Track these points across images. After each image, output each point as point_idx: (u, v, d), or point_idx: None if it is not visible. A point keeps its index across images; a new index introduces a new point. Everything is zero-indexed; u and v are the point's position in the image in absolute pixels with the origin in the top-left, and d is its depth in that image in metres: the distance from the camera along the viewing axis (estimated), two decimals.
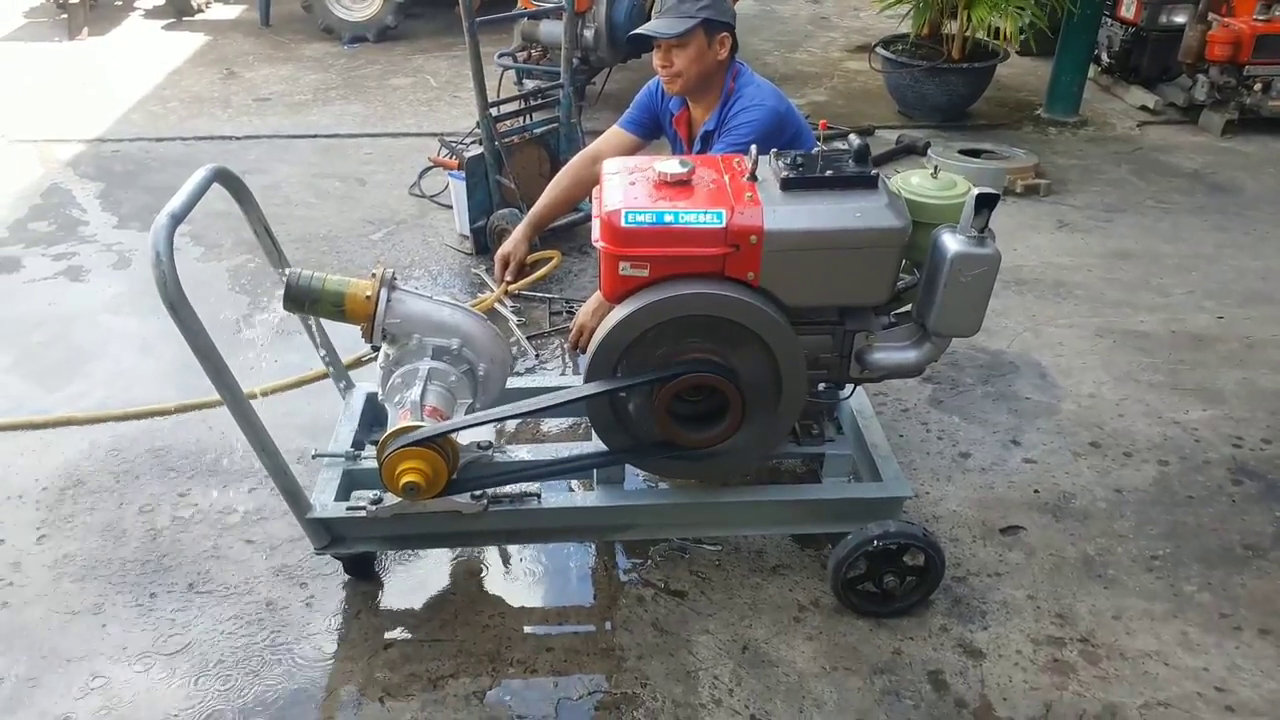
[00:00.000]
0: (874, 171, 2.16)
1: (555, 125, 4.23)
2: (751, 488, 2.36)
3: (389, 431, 2.18)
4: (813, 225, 2.08)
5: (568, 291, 3.91)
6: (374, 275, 2.36)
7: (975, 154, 5.05)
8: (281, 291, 2.33)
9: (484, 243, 4.12)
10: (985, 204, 2.08)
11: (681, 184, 2.17)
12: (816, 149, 2.23)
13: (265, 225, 2.50)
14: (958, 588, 2.50)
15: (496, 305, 3.69)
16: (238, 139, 5.52)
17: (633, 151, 3.36)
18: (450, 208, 4.50)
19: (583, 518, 2.38)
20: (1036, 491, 2.85)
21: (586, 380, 2.19)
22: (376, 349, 2.41)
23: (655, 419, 2.18)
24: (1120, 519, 2.75)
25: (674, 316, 2.11)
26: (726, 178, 2.21)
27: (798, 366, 2.18)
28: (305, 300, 2.32)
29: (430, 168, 4.78)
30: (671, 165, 2.18)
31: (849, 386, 2.47)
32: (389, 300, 2.33)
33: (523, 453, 2.50)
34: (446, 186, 4.65)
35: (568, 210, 3.37)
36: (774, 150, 2.26)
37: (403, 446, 2.12)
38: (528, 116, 4.21)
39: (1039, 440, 3.06)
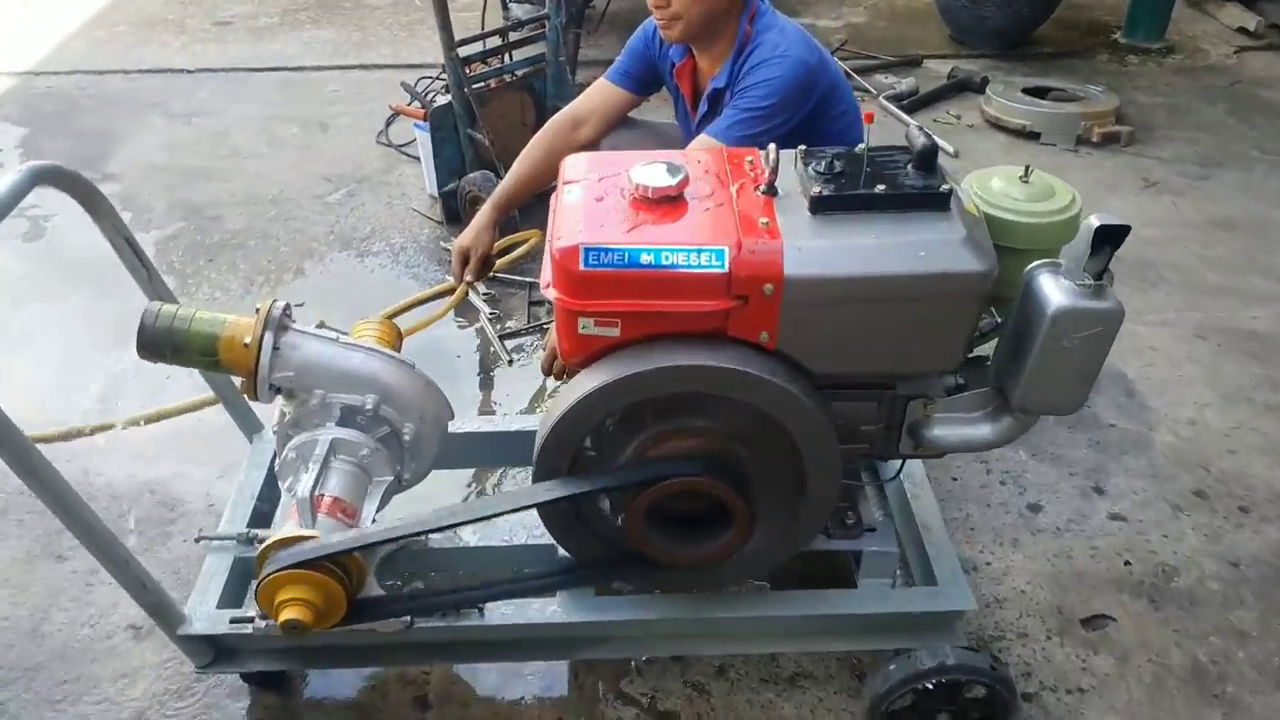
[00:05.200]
0: (946, 186, 1.50)
1: (542, 65, 3.52)
2: (761, 596, 1.79)
3: (269, 539, 1.61)
4: (856, 269, 1.43)
5: None
6: (258, 310, 1.75)
7: (1042, 93, 4.29)
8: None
9: (454, 209, 3.47)
10: (1108, 239, 1.42)
11: (668, 202, 1.53)
12: (862, 147, 1.57)
13: (128, 238, 1.88)
14: (1029, 708, 1.93)
15: (470, 295, 3.08)
16: (189, 73, 4.81)
17: (624, 111, 2.71)
18: (420, 159, 3.85)
19: (541, 632, 1.81)
20: (1127, 564, 2.24)
21: (537, 473, 1.59)
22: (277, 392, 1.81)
23: (627, 527, 1.59)
24: (1239, 607, 2.14)
25: (655, 395, 1.50)
26: (734, 190, 1.56)
27: (828, 457, 1.57)
28: (166, 347, 1.73)
29: (399, 112, 4.10)
30: (654, 174, 1.53)
31: (895, 462, 1.86)
32: (276, 347, 1.72)
33: (461, 536, 1.92)
34: (415, 138, 3.98)
35: (541, 187, 2.72)
36: (801, 149, 1.60)
37: (283, 569, 1.55)
38: (507, 55, 3.50)
39: (1128, 487, 2.44)
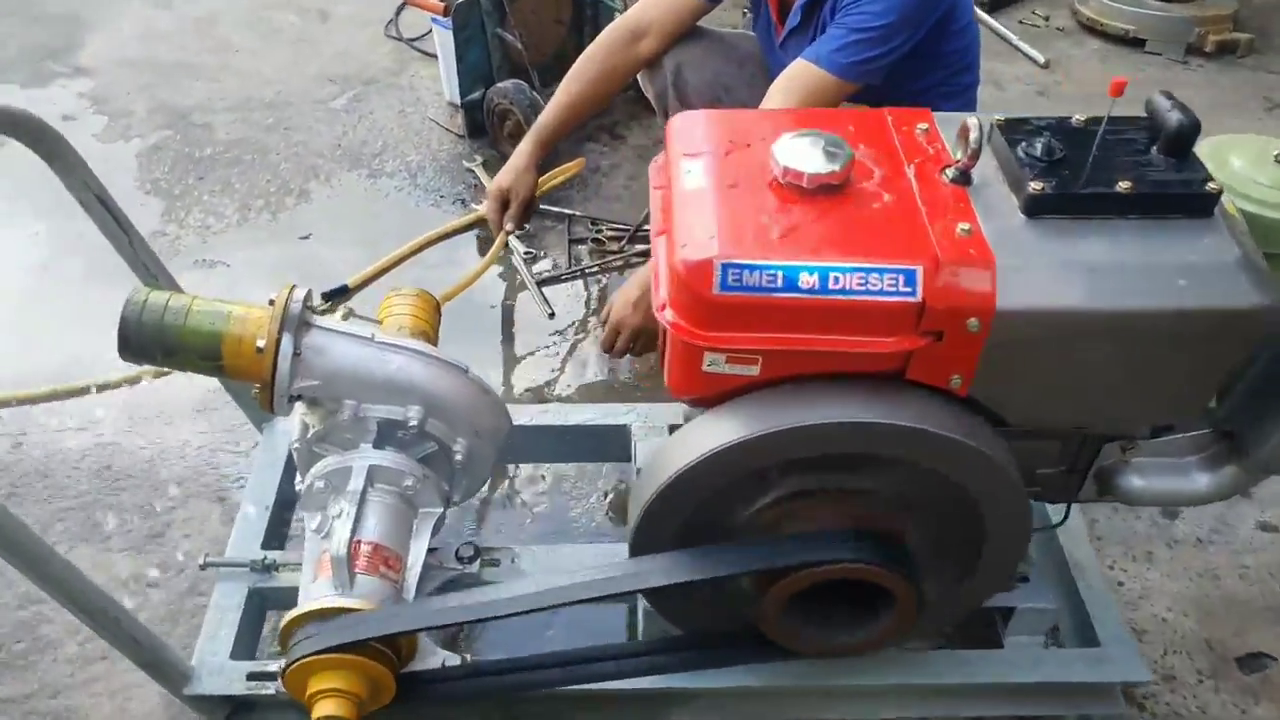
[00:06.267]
0: (1213, 184, 1.10)
1: None
2: (887, 661, 1.46)
3: (295, 612, 1.28)
4: (1092, 302, 1.05)
5: (593, 205, 2.84)
6: (272, 303, 1.36)
7: None
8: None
9: (479, 121, 3.01)
10: None
11: (828, 193, 1.13)
12: (1079, 118, 1.17)
13: (100, 195, 1.47)
14: None
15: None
16: None
17: (692, 21, 2.26)
18: (436, 58, 3.34)
19: (630, 692, 1.48)
20: None
21: (638, 536, 1.24)
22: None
23: (761, 619, 1.25)
24: None
25: (804, 455, 1.14)
26: (910, 171, 1.16)
27: (1016, 518, 1.22)
28: (155, 349, 1.35)
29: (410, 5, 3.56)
30: (809, 155, 1.12)
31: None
32: (297, 352, 1.35)
33: (524, 574, 1.59)
34: (429, 31, 3.46)
35: (593, 114, 2.30)
36: (1000, 118, 1.19)
37: (315, 654, 1.22)
38: None
39: None
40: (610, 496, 2.04)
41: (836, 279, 1.04)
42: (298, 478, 1.48)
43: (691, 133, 1.24)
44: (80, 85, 3.32)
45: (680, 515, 1.20)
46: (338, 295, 2.49)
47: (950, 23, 2.01)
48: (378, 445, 1.42)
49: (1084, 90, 3.48)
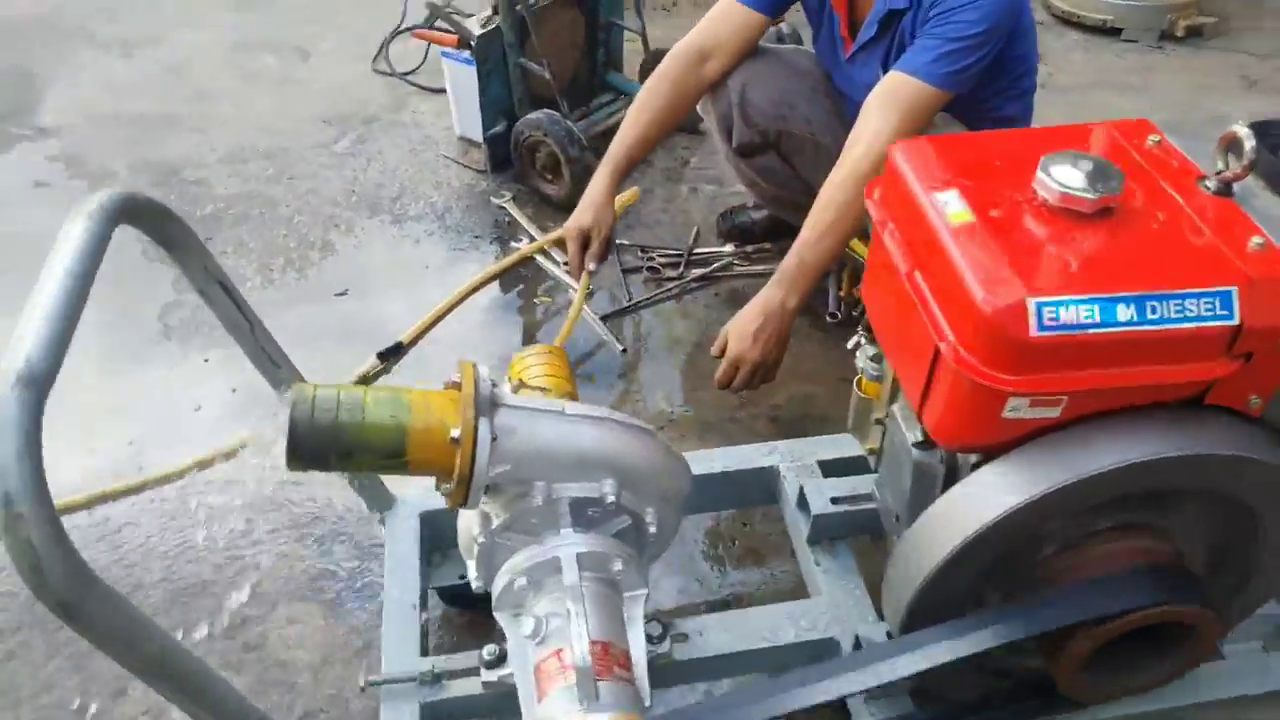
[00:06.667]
0: None
1: None
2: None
3: None
4: None
5: (636, 233, 2.73)
6: (452, 384, 1.23)
7: None
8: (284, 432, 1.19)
9: (502, 156, 2.88)
10: None
11: (1104, 217, 1.06)
12: None
13: (222, 280, 1.30)
14: None
15: (540, 260, 2.55)
16: None
17: (757, 39, 2.20)
18: (437, 91, 3.20)
19: None
20: None
21: (908, 622, 1.14)
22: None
23: (1054, 669, 1.16)
24: None
25: (1112, 495, 1.07)
26: (1171, 189, 1.10)
27: None
28: (330, 451, 1.19)
29: (400, 31, 3.40)
30: (1083, 175, 1.05)
31: None
32: (494, 437, 1.21)
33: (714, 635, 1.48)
34: (423, 62, 3.32)
35: (663, 139, 2.20)
36: (1242, 124, 1.14)
37: None
38: None
39: None
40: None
41: (1154, 308, 0.98)
42: (473, 575, 1.34)
43: (925, 163, 1.16)
44: (48, 147, 3.06)
45: (970, 576, 1.11)
46: (393, 354, 2.35)
47: (1018, 27, 1.99)
48: (575, 526, 1.29)
49: (1079, 80, 3.54)
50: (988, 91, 1.99)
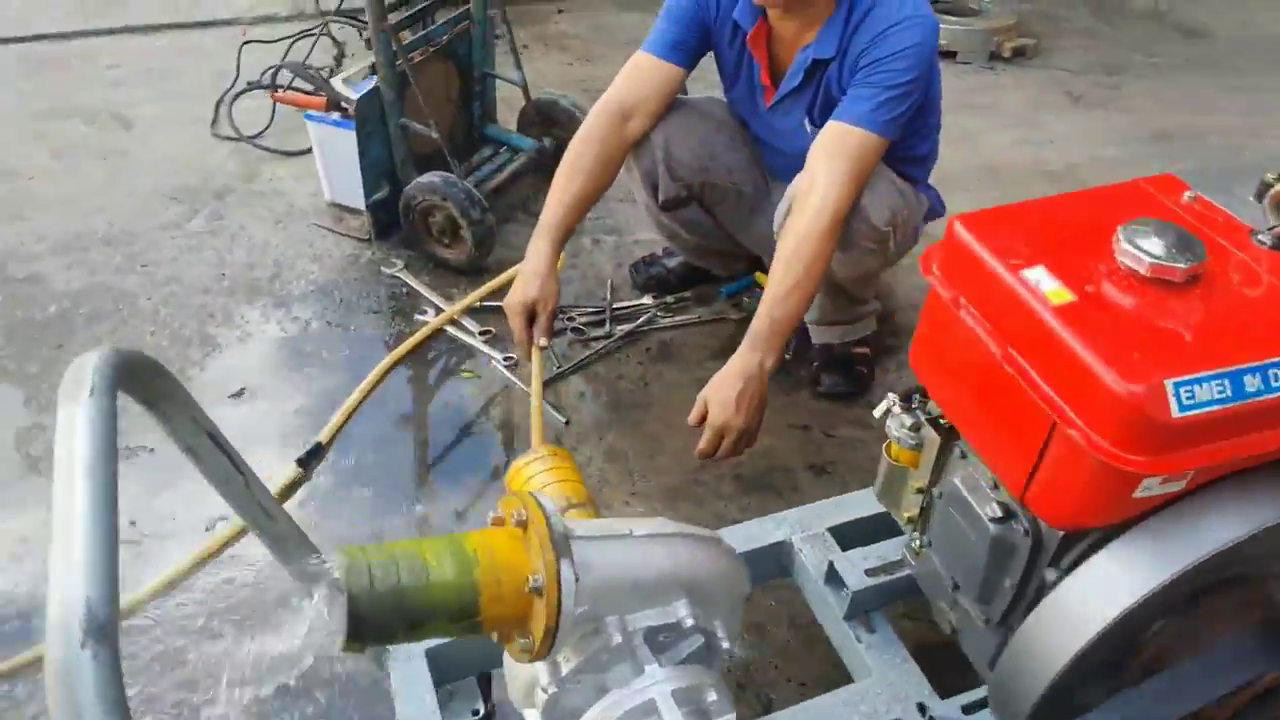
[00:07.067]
0: None
1: (466, 25, 2.73)
2: None
3: None
4: None
5: (571, 290, 2.59)
6: (503, 517, 1.08)
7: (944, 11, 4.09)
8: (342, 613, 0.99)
9: (386, 221, 2.66)
10: None
11: (1194, 284, 1.07)
12: None
13: (212, 432, 1.09)
14: None
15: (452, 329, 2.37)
16: None
17: (675, 93, 2.16)
18: (294, 154, 2.93)
19: None
20: None
21: (1041, 708, 1.10)
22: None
23: None
24: None
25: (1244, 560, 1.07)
26: (1234, 249, 1.13)
27: None
28: (396, 624, 1.01)
29: (239, 91, 3.09)
30: (1168, 245, 1.05)
31: None
32: (576, 578, 1.07)
33: None
34: (269, 124, 3.04)
35: (595, 201, 2.10)
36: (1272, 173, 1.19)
37: None
38: (428, 18, 2.67)
39: None
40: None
41: (1276, 375, 0.98)
42: None
43: (998, 237, 1.13)
44: None
45: (1100, 665, 1.08)
46: (314, 457, 2.11)
47: (933, 70, 2.05)
48: (655, 658, 1.17)
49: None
50: (908, 131, 2.03)
